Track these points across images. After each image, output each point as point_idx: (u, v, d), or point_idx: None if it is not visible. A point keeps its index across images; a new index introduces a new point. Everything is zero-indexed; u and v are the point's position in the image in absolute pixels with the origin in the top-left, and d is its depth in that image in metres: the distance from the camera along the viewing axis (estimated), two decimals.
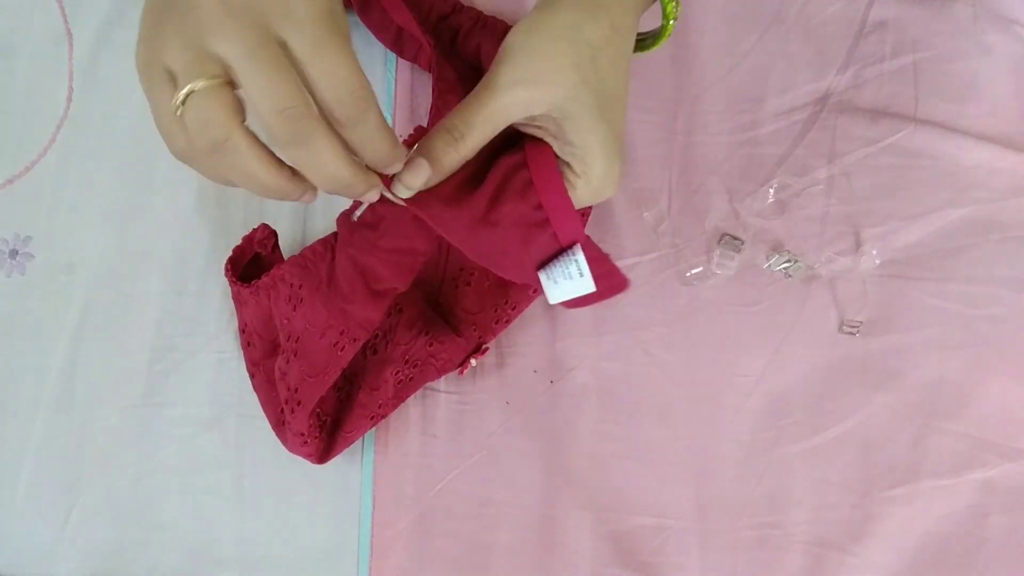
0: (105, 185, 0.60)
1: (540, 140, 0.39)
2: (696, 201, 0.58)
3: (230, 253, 0.53)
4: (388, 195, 0.37)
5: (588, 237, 0.39)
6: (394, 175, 0.36)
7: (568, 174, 0.38)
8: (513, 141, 0.39)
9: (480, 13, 0.58)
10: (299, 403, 0.50)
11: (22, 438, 0.57)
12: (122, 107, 0.60)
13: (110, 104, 0.60)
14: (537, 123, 0.38)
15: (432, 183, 0.37)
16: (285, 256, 0.55)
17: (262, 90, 0.30)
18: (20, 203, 0.60)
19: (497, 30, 0.57)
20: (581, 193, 0.38)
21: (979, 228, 0.58)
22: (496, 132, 0.37)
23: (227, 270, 0.52)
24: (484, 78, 0.37)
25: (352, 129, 0.32)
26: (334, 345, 0.47)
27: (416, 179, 0.36)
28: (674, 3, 0.41)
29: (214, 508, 0.56)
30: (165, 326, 0.58)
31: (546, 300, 0.58)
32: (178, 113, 0.31)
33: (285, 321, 0.49)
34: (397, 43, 0.59)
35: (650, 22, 0.44)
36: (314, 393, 0.49)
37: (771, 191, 0.58)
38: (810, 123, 0.59)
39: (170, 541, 0.56)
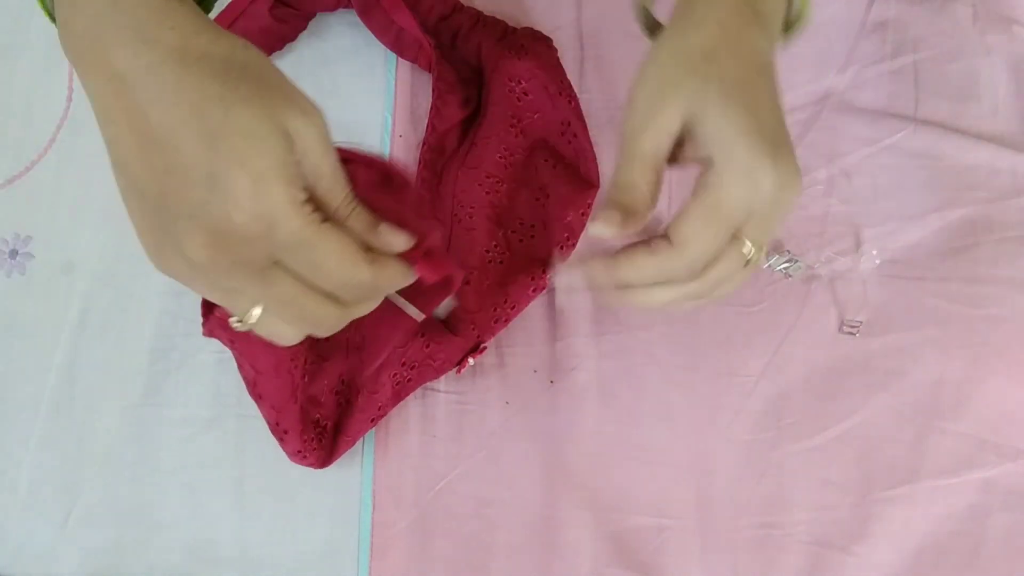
0: (105, 185, 0.59)
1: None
2: None
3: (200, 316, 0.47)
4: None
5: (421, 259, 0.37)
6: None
7: (710, 176, 0.37)
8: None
9: (480, 13, 0.58)
10: (286, 432, 0.51)
11: (22, 438, 0.57)
12: None
13: None
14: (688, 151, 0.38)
15: (637, 226, 0.38)
16: None
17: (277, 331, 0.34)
18: (20, 203, 0.60)
19: (497, 30, 0.57)
20: (730, 192, 0.35)
21: (979, 228, 0.58)
22: (658, 169, 0.38)
23: (207, 328, 0.46)
24: (623, 125, 0.37)
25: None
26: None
27: (608, 228, 0.37)
28: None
29: (214, 508, 0.56)
30: (165, 326, 0.58)
31: (546, 300, 0.58)
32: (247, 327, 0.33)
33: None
34: (397, 43, 0.59)
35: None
36: (271, 388, 0.49)
37: None
38: (810, 123, 0.59)
39: (170, 541, 0.56)
